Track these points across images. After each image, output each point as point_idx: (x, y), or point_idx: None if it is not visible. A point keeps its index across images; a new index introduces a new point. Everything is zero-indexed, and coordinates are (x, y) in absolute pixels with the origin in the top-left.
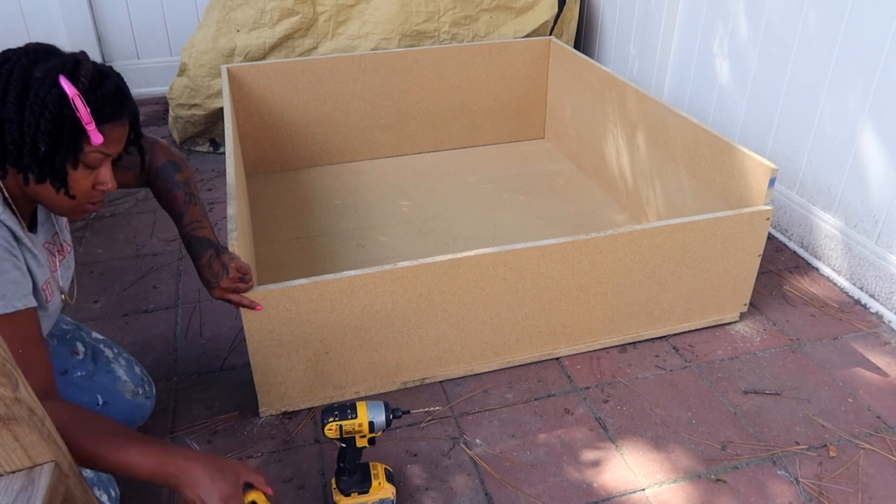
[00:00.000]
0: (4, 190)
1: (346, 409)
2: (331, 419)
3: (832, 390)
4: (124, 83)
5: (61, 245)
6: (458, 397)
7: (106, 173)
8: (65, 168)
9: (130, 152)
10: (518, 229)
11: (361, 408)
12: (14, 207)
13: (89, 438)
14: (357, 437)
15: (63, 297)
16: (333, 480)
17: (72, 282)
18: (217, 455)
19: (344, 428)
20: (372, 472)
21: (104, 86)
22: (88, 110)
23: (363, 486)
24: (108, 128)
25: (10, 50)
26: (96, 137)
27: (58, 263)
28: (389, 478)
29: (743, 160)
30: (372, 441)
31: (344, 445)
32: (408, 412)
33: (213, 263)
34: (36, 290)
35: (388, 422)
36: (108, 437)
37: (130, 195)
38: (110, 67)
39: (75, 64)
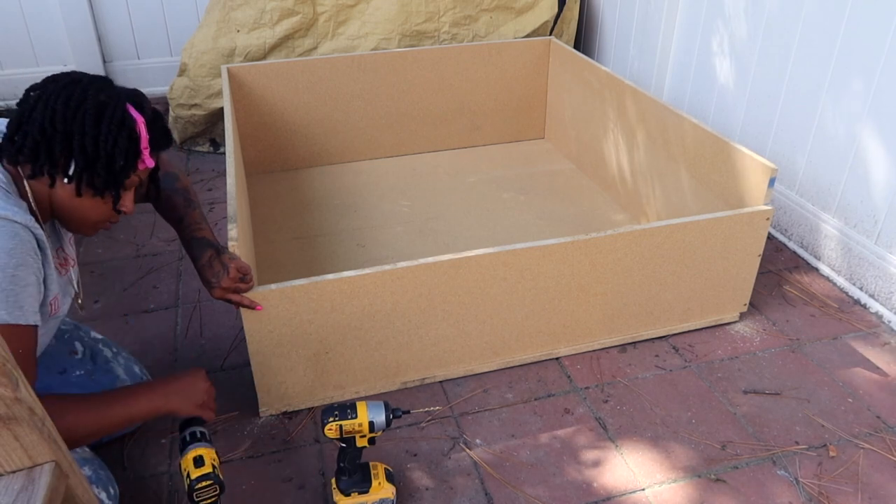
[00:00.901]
0: (32, 201)
1: (346, 409)
2: (331, 419)
3: (832, 390)
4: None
5: (65, 258)
6: (458, 397)
7: (130, 199)
8: (125, 183)
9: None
10: (518, 229)
11: (361, 408)
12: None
13: (77, 415)
14: (357, 437)
15: (79, 302)
16: (333, 480)
17: (75, 296)
18: (178, 375)
19: (344, 428)
20: (372, 472)
21: (161, 119)
22: (149, 137)
23: (363, 486)
24: (154, 156)
25: (76, 73)
26: (149, 161)
27: (61, 276)
28: (389, 478)
29: (743, 160)
30: (372, 441)
31: (344, 445)
32: (408, 412)
33: (214, 263)
34: (44, 303)
35: (388, 422)
36: (92, 406)
37: None
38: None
39: (136, 95)
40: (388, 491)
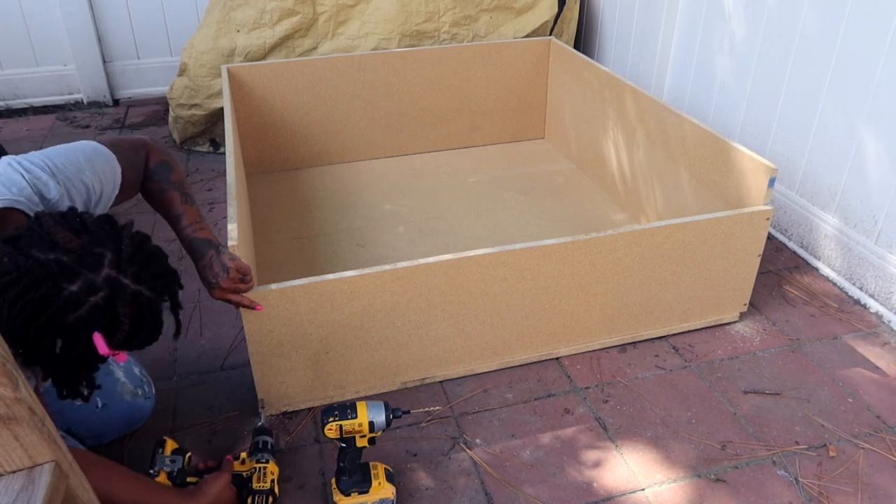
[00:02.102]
0: None
1: (346, 409)
2: (331, 419)
3: (832, 390)
4: (163, 288)
5: None
6: (458, 397)
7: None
8: (92, 381)
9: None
10: (518, 229)
11: (361, 408)
12: None
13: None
14: (357, 437)
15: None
16: (333, 480)
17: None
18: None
19: (344, 428)
20: (372, 472)
21: (138, 336)
22: (118, 353)
23: (363, 486)
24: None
25: (41, 278)
26: (121, 359)
27: None
28: (389, 478)
29: (743, 160)
30: (372, 441)
31: (344, 445)
32: (408, 412)
33: (214, 264)
34: None
35: (388, 422)
36: (133, 486)
37: None
38: (150, 273)
39: (112, 320)
40: (388, 491)
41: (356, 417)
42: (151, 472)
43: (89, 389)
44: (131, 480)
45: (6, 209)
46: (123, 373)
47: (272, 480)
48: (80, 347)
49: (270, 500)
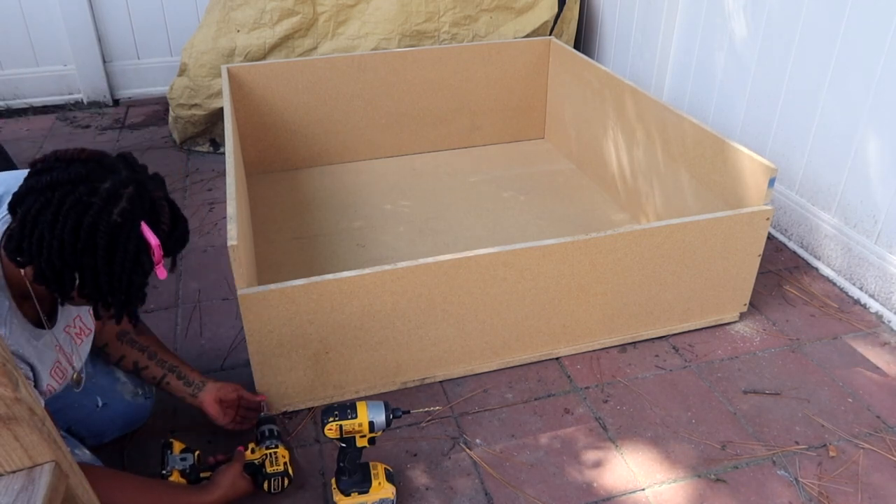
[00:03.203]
0: (11, 300)
1: (346, 409)
2: (331, 419)
3: (832, 390)
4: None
5: (80, 328)
6: (458, 397)
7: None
8: (138, 295)
9: None
10: (518, 229)
11: (361, 408)
12: (19, 312)
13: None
14: (357, 437)
15: (74, 377)
16: (333, 480)
17: (83, 365)
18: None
19: (344, 428)
20: (372, 472)
21: (178, 227)
22: (163, 254)
23: (363, 486)
24: (167, 264)
25: (67, 174)
26: (161, 273)
27: (77, 345)
28: (389, 478)
29: (743, 160)
30: (372, 441)
31: (344, 445)
32: (408, 412)
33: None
34: (38, 384)
35: (388, 422)
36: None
37: None
38: (157, 178)
39: (153, 205)
40: (388, 491)
41: (356, 417)
42: (164, 472)
43: (131, 314)
44: (140, 488)
45: None
46: (123, 372)
47: (285, 463)
48: (134, 245)
49: (286, 481)
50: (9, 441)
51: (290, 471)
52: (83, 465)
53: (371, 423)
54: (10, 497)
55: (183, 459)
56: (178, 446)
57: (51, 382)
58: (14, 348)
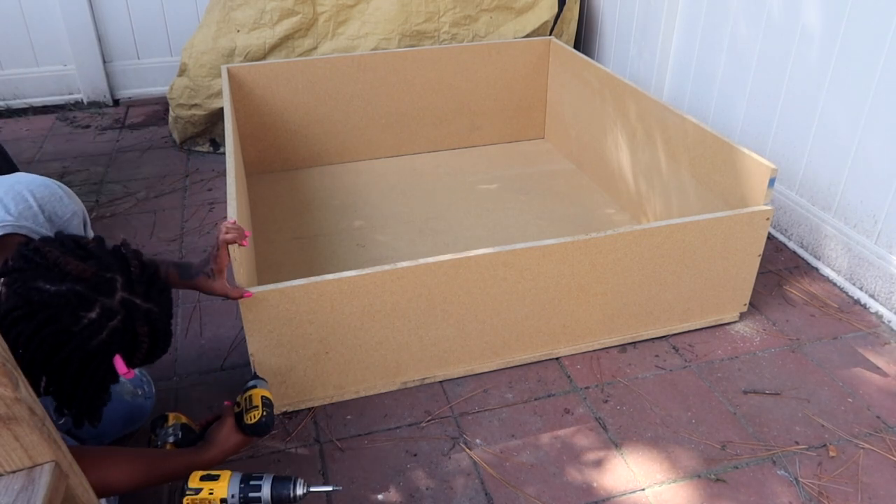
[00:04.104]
0: None
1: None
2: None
3: (832, 390)
4: (167, 308)
5: None
6: (458, 397)
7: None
8: (101, 402)
9: None
10: (518, 229)
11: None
12: None
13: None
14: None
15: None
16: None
17: None
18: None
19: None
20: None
21: (154, 354)
22: (132, 371)
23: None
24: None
25: (58, 309)
26: (130, 375)
27: None
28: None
29: (743, 160)
30: None
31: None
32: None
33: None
34: None
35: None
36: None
37: (131, 195)
38: (157, 290)
39: (133, 340)
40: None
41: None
42: (156, 446)
43: (98, 417)
44: (133, 460)
45: (6, 235)
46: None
47: (261, 397)
48: (103, 372)
49: (261, 413)
50: (9, 441)
51: (262, 404)
52: (72, 448)
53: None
54: (10, 497)
55: (173, 430)
56: (172, 419)
57: None
58: None
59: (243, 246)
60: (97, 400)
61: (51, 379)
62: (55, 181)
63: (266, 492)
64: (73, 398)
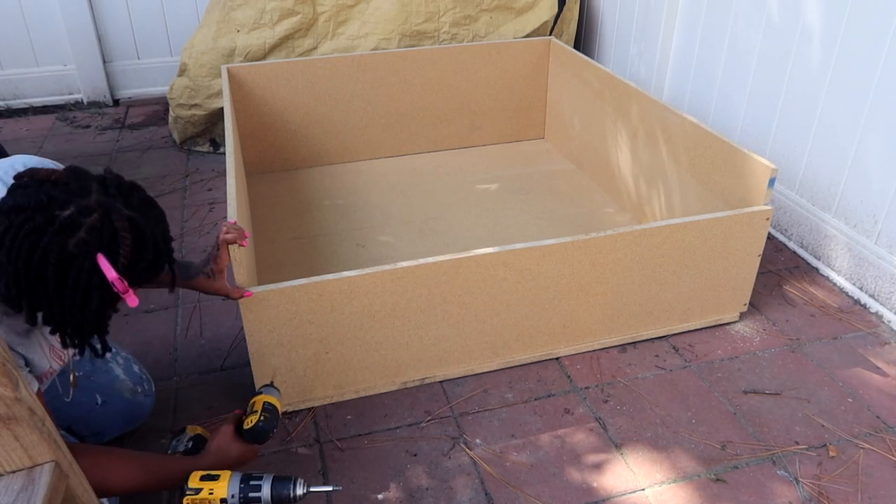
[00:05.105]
0: None
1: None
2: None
3: (832, 390)
4: (158, 227)
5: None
6: (458, 397)
7: (131, 297)
8: (103, 326)
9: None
10: (518, 229)
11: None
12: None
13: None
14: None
15: (71, 379)
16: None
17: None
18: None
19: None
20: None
21: (143, 258)
22: (126, 283)
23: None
24: (145, 286)
25: (30, 202)
26: (132, 301)
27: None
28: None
29: (743, 160)
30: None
31: None
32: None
33: (205, 264)
34: (39, 378)
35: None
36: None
37: None
38: (141, 203)
39: (113, 236)
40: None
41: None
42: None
43: (102, 343)
44: (128, 461)
45: None
46: (123, 371)
47: (263, 403)
48: (87, 276)
49: (259, 418)
50: (9, 441)
51: (262, 409)
52: (70, 446)
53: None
54: (10, 497)
55: (181, 440)
56: (189, 430)
57: (51, 365)
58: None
59: (243, 246)
60: (93, 316)
61: (37, 296)
62: (53, 161)
63: (266, 492)
64: (63, 316)
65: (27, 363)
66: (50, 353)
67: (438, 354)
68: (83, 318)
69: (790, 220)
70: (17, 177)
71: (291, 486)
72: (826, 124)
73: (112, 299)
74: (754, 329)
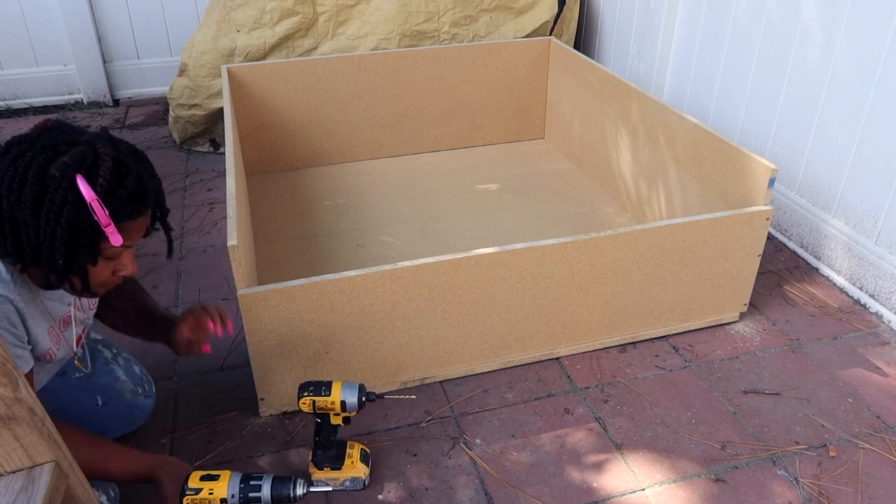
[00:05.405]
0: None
1: (322, 387)
2: (305, 394)
3: (832, 390)
4: (146, 169)
5: (67, 318)
6: (458, 397)
7: (126, 259)
8: (84, 270)
9: (157, 228)
10: (518, 229)
11: (336, 387)
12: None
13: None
14: (331, 414)
15: (77, 363)
16: (310, 454)
17: (83, 350)
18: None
19: (317, 403)
20: (347, 450)
21: (124, 185)
22: (107, 212)
23: (336, 462)
24: (128, 224)
25: (26, 138)
26: (116, 239)
27: (73, 319)
28: (364, 458)
29: (743, 160)
30: (347, 420)
31: (319, 421)
32: (381, 396)
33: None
34: (38, 357)
35: (361, 404)
36: (89, 447)
37: None
38: (131, 150)
39: (94, 160)
40: (360, 471)
41: (329, 395)
42: None
43: (83, 284)
44: (78, 438)
45: None
46: (124, 372)
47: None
48: (63, 193)
49: None
50: (9, 441)
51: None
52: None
53: (343, 403)
54: (10, 497)
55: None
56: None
57: (51, 347)
58: (11, 296)
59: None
60: (59, 239)
61: (17, 221)
62: None
63: (266, 492)
64: (39, 239)
65: (30, 340)
66: (48, 332)
67: (438, 354)
68: (55, 239)
69: (790, 220)
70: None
71: (291, 486)
72: (826, 124)
73: (91, 230)
74: (754, 329)
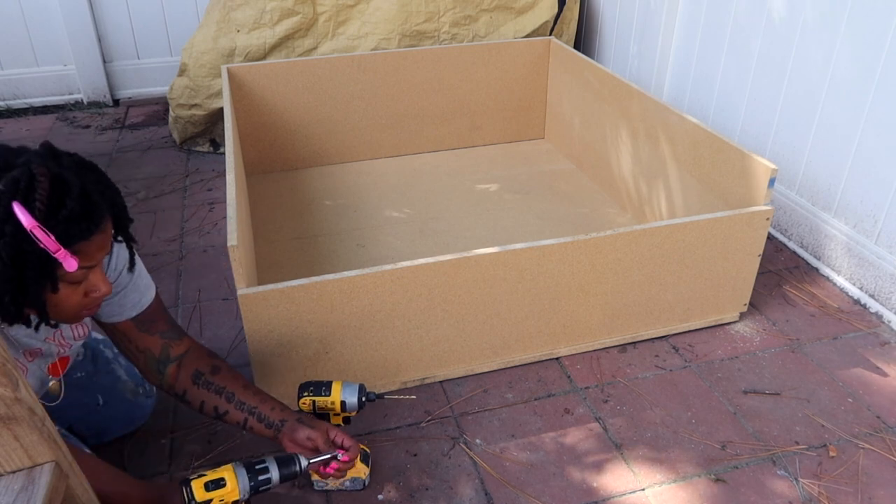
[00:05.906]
0: None
1: (322, 387)
2: (305, 394)
3: (832, 390)
4: (95, 182)
5: (36, 350)
6: (458, 397)
7: (96, 279)
8: (41, 301)
9: (120, 240)
10: (518, 229)
11: (336, 387)
12: None
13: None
14: (330, 414)
15: (51, 385)
16: None
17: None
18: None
19: (317, 403)
20: None
21: (65, 205)
22: (53, 237)
23: None
24: (82, 245)
25: None
26: (70, 264)
27: (43, 352)
28: (364, 459)
29: (743, 160)
30: (346, 420)
31: None
32: (381, 396)
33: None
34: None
35: (361, 404)
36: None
37: (131, 195)
38: (77, 164)
39: (29, 182)
40: (360, 471)
41: (329, 395)
42: None
43: (40, 317)
44: (94, 465)
45: None
46: (125, 371)
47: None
48: (9, 239)
49: None
50: (9, 441)
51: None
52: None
53: (343, 403)
54: (10, 497)
55: None
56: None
57: (20, 359)
58: None
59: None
60: (8, 272)
61: None
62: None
63: (275, 476)
64: None
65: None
66: (22, 355)
67: (438, 354)
68: (15, 279)
69: (790, 220)
70: None
71: (296, 463)
72: (826, 124)
73: (39, 259)
74: (754, 329)
